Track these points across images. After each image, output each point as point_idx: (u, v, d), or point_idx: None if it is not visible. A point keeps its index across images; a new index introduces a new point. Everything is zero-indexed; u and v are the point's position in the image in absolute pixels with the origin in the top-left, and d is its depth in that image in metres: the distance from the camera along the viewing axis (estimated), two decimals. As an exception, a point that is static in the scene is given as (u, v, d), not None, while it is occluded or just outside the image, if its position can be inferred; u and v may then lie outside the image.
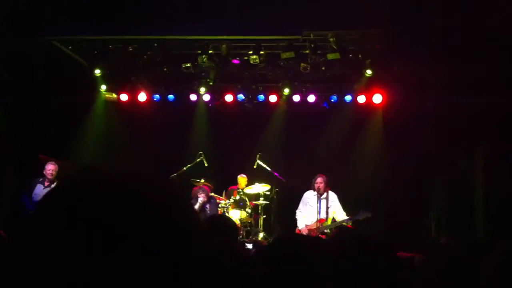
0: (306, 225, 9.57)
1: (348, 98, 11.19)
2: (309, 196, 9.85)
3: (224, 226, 4.01)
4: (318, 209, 9.46)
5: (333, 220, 9.38)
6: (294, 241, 2.07)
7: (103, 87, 11.62)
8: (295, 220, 9.87)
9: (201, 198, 9.96)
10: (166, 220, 0.92)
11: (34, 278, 0.84)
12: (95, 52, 10.41)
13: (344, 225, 9.00)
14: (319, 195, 9.57)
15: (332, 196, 9.68)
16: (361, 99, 11.06)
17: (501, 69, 9.16)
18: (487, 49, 8.87)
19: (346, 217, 9.31)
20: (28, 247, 0.87)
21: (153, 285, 0.87)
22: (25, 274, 0.85)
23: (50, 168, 9.38)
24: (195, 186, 10.42)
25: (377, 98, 10.91)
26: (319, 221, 9.36)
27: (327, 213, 9.49)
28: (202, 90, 11.43)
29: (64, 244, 0.85)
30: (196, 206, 9.93)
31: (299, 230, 9.61)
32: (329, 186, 9.70)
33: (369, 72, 10.37)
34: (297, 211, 9.94)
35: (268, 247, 2.14)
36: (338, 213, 9.50)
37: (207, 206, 10.10)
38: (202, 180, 10.40)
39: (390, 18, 8.54)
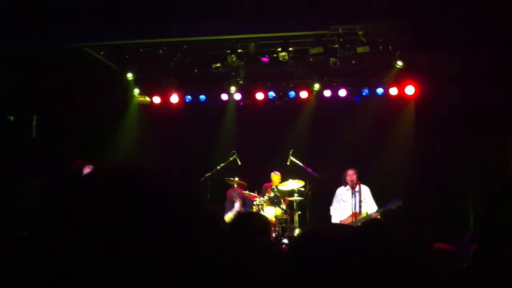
0: (341, 221, 9.52)
1: (379, 91, 11.06)
2: (342, 192, 9.80)
3: (257, 224, 4.04)
4: (353, 204, 9.40)
5: (367, 214, 9.30)
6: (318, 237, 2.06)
7: (136, 91, 11.80)
8: (329, 217, 9.87)
9: (237, 204, 10.06)
10: (169, 220, 0.91)
11: (35, 277, 0.85)
12: (126, 56, 10.57)
13: (374, 218, 8.91)
14: (353, 189, 9.50)
15: (365, 189, 9.61)
16: (393, 91, 10.92)
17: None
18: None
19: (378, 208, 9.29)
20: (31, 246, 0.88)
21: (152, 285, 0.86)
22: (27, 273, 0.85)
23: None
24: (230, 185, 10.49)
25: (410, 90, 10.75)
26: (353, 215, 9.29)
27: (360, 206, 9.41)
28: (233, 89, 11.48)
29: (65, 244, 0.85)
30: (235, 208, 10.03)
31: None
32: (359, 180, 9.63)
33: (399, 63, 10.25)
34: (331, 208, 9.92)
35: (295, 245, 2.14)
36: (371, 208, 9.44)
37: (242, 209, 10.14)
38: (236, 179, 10.45)
39: (417, 10, 8.42)
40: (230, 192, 10.31)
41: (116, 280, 0.85)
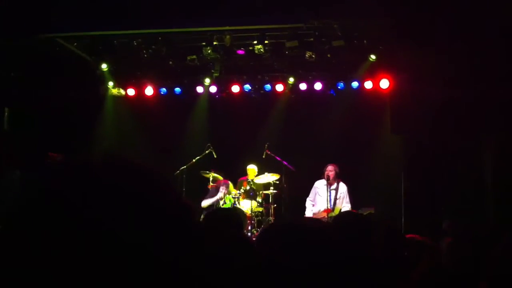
0: (314, 214, 9.61)
1: (354, 84, 11.10)
2: (319, 186, 9.86)
3: (230, 217, 4.03)
4: (328, 199, 9.48)
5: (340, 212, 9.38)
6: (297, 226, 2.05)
7: (110, 83, 11.65)
8: (304, 208, 9.92)
9: (220, 194, 10.10)
10: (164, 217, 0.88)
11: (22, 276, 0.82)
12: (100, 48, 10.42)
13: (350, 210, 9.00)
14: (329, 184, 9.58)
15: (342, 188, 9.70)
16: (368, 85, 10.98)
17: (508, 59, 9.03)
18: (496, 38, 8.76)
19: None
20: (16, 243, 0.84)
21: (148, 285, 0.84)
22: (15, 271, 0.82)
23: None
24: (205, 178, 10.49)
25: (384, 83, 10.81)
26: (325, 211, 9.37)
27: (334, 204, 9.49)
28: (207, 81, 11.43)
29: (53, 241, 0.81)
30: (217, 197, 10.06)
31: None
32: (340, 178, 9.70)
33: (373, 57, 10.30)
34: (307, 199, 9.97)
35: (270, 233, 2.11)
36: (345, 207, 9.52)
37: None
38: (212, 172, 10.44)
39: (393, 7, 8.46)
40: (220, 182, 10.34)
41: (116, 280, 0.82)
